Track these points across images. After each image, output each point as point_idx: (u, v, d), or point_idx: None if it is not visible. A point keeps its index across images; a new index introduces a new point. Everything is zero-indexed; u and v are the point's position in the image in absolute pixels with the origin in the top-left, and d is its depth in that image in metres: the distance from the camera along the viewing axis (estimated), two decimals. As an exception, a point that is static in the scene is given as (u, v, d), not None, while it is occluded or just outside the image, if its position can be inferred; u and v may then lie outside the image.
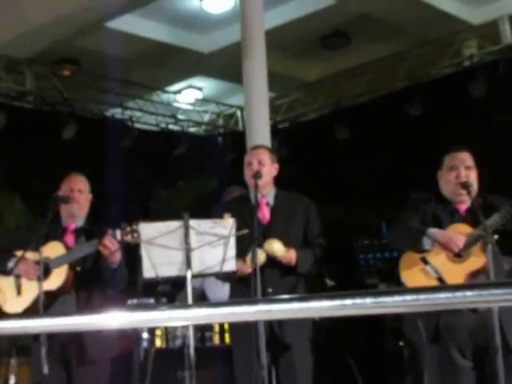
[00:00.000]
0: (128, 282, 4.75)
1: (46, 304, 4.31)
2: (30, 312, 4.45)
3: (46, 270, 4.35)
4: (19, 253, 4.49)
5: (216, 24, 9.55)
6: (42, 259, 4.30)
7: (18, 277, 4.52)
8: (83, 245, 4.53)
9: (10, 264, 4.51)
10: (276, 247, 4.33)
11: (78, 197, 4.67)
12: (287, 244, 4.40)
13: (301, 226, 4.60)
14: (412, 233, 4.16)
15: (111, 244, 4.34)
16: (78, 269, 4.51)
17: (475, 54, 9.36)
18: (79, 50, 9.48)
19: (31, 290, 4.47)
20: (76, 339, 4.41)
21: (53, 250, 4.48)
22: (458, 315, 3.89)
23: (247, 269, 4.26)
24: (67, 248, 4.54)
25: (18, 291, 4.55)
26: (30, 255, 4.44)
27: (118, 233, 4.35)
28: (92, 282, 4.55)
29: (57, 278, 4.45)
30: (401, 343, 6.49)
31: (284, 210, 4.61)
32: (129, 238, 4.34)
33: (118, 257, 4.43)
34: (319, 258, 4.59)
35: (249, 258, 4.22)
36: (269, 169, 4.59)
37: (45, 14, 8.36)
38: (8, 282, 4.56)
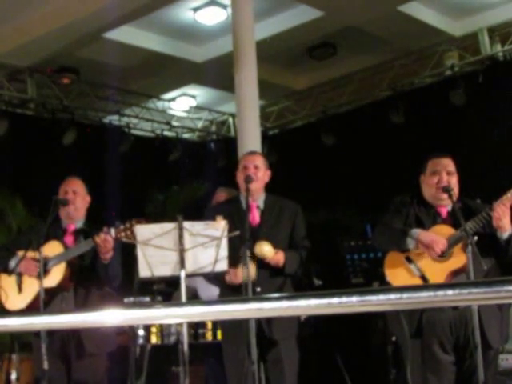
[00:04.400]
0: (125, 281, 4.85)
1: (45, 301, 4.41)
2: (31, 309, 4.53)
3: (45, 268, 4.46)
4: (21, 252, 4.62)
5: (209, 35, 9.64)
6: (42, 258, 4.42)
7: (19, 275, 4.62)
8: (80, 243, 4.61)
9: (12, 263, 4.64)
10: (266, 249, 4.41)
11: (72, 198, 4.75)
12: (275, 246, 4.47)
13: (288, 229, 4.67)
14: (396, 234, 4.19)
15: (105, 241, 4.44)
16: (76, 264, 4.61)
17: (456, 65, 9.47)
18: (78, 59, 9.57)
19: (31, 288, 4.58)
20: (75, 335, 4.54)
21: (52, 249, 4.58)
22: (439, 312, 3.99)
23: (238, 280, 4.38)
24: (66, 248, 4.62)
25: (19, 289, 4.64)
26: (31, 254, 4.53)
27: (113, 231, 4.44)
28: (90, 280, 4.65)
29: (56, 276, 4.55)
30: (391, 339, 6.50)
31: (273, 214, 4.66)
32: (123, 236, 4.42)
33: (110, 254, 4.52)
34: (305, 259, 4.68)
35: (240, 270, 4.32)
36: (262, 174, 4.67)
37: (45, 25, 8.52)
38: (10, 280, 4.67)
